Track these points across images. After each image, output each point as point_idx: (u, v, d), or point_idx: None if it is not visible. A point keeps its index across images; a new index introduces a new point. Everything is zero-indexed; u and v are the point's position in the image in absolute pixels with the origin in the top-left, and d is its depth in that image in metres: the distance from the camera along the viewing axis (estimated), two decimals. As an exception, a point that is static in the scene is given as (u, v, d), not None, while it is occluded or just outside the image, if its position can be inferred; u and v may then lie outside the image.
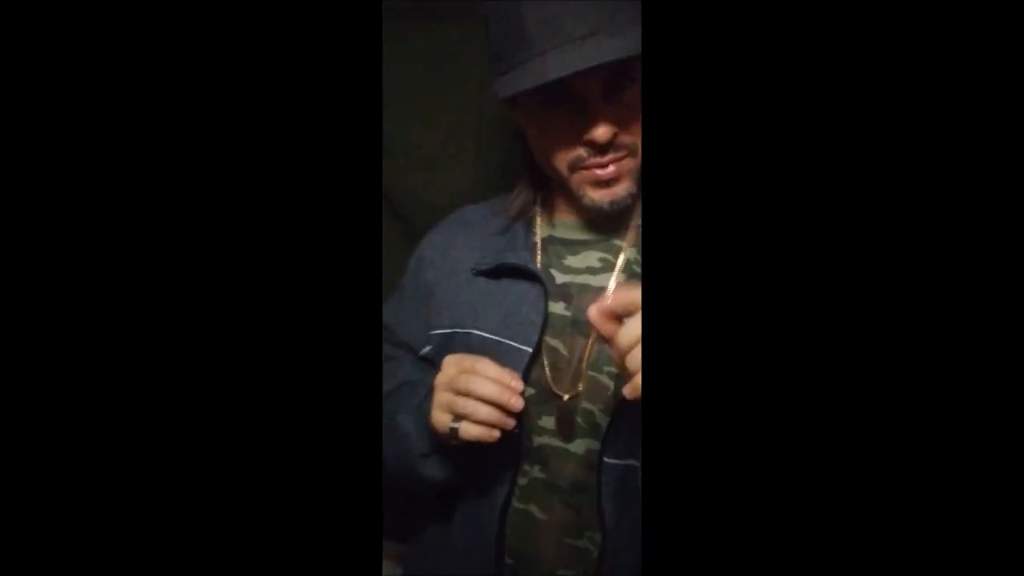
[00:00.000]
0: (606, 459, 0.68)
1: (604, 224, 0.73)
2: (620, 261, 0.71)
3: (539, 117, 0.69)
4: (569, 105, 0.66)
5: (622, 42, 0.62)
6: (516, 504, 0.72)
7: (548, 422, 0.72)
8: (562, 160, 0.69)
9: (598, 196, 0.69)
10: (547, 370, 0.71)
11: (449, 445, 0.68)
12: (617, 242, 0.73)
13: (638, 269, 0.71)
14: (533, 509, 0.71)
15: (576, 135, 0.66)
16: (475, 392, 0.63)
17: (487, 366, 0.65)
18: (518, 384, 0.64)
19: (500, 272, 0.73)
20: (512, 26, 0.65)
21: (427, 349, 0.79)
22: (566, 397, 0.70)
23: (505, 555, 0.72)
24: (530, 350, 0.70)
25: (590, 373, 0.70)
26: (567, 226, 0.76)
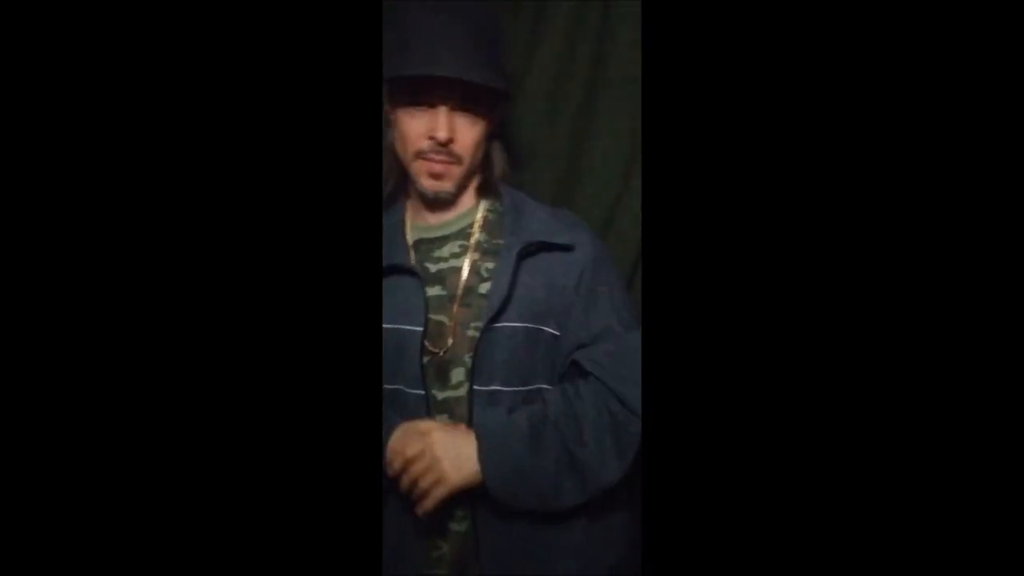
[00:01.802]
0: (476, 386, 0.89)
1: (455, 220, 0.97)
2: (472, 243, 0.95)
3: (405, 113, 0.91)
4: (427, 109, 0.90)
5: (477, 73, 0.87)
6: None
7: (435, 378, 0.93)
8: (411, 148, 0.92)
9: (428, 184, 0.93)
10: (432, 340, 0.92)
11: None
12: (468, 230, 0.96)
13: (485, 245, 0.95)
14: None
15: (425, 132, 0.91)
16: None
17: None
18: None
19: (388, 271, 0.94)
20: (397, 35, 0.89)
21: None
22: (441, 352, 0.91)
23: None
24: (420, 328, 0.90)
25: (460, 329, 0.91)
26: (429, 228, 0.98)
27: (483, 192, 0.98)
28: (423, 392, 0.88)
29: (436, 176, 0.92)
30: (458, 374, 0.90)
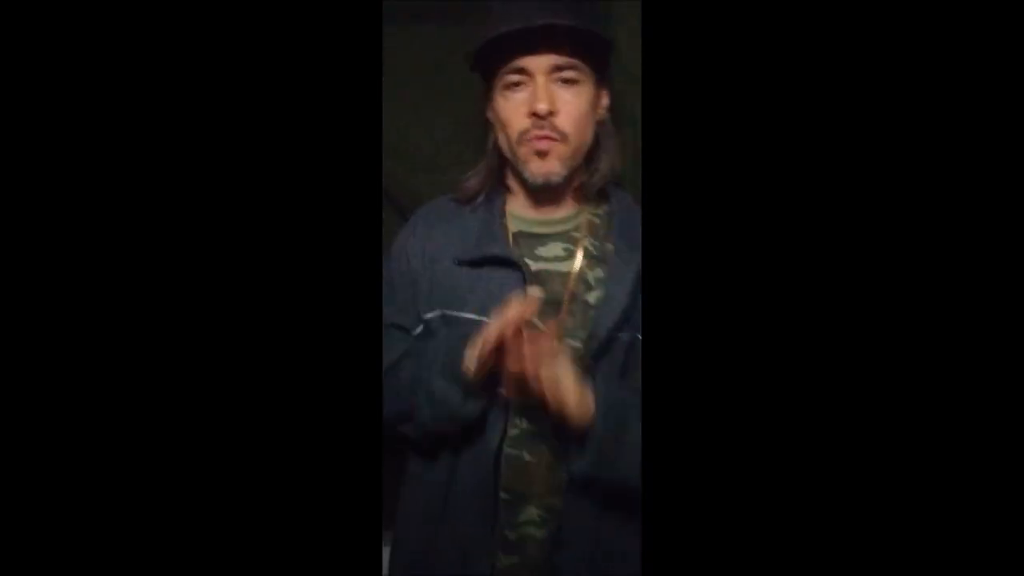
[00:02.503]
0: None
1: (560, 221, 0.90)
2: (580, 247, 0.89)
3: (502, 97, 0.85)
4: (523, 87, 0.84)
5: (563, 13, 0.80)
6: (508, 450, 0.87)
7: None
8: (514, 132, 0.85)
9: (535, 168, 0.85)
10: None
11: (478, 382, 0.83)
12: (575, 234, 0.90)
13: (595, 252, 0.89)
14: (524, 454, 0.87)
15: (524, 110, 0.84)
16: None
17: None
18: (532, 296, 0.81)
19: (483, 261, 0.87)
20: (487, 19, 0.83)
21: (419, 330, 0.93)
22: None
23: (500, 492, 0.87)
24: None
25: (564, 339, 0.86)
26: (531, 223, 0.91)
27: (584, 193, 0.91)
28: (505, 391, 0.83)
29: (542, 154, 0.84)
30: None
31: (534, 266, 0.88)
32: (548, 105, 0.82)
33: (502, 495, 0.87)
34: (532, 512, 0.87)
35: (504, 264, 0.87)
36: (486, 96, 0.88)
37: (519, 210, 0.92)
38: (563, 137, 0.84)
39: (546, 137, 0.84)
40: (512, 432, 0.87)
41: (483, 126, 0.92)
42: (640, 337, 0.85)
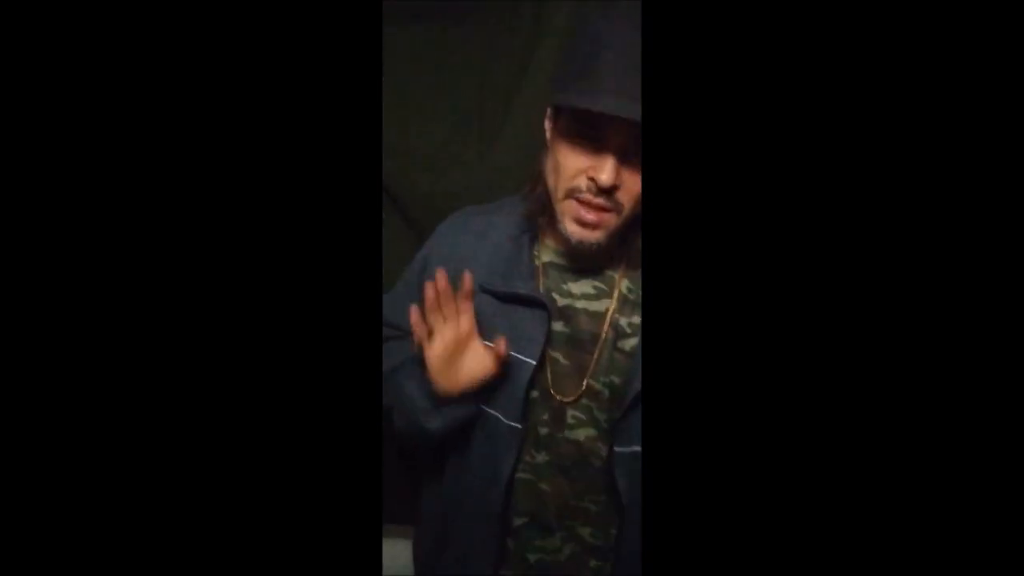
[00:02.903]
0: (617, 448, 0.82)
1: (595, 257, 0.85)
2: (615, 292, 0.85)
3: (568, 140, 0.79)
4: (595, 144, 0.77)
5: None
6: (524, 476, 0.86)
7: (550, 419, 0.87)
8: (565, 183, 0.79)
9: (574, 231, 0.80)
10: (549, 377, 0.85)
11: (447, 398, 0.82)
12: (610, 273, 0.86)
13: (628, 295, 0.85)
14: (542, 485, 0.87)
15: (586, 168, 0.78)
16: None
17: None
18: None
19: (508, 298, 0.85)
20: (590, 54, 0.76)
21: None
22: (564, 400, 0.85)
23: (514, 518, 0.87)
24: (534, 363, 0.83)
25: (588, 381, 0.84)
26: (564, 254, 0.87)
27: (629, 264, 0.85)
28: (520, 426, 0.83)
29: (587, 225, 0.79)
30: (575, 418, 0.85)
31: (560, 301, 0.85)
32: (613, 180, 0.76)
33: (517, 520, 0.88)
34: (555, 540, 0.88)
35: (531, 303, 0.84)
36: (552, 123, 0.83)
37: (553, 242, 0.88)
38: (618, 209, 0.79)
39: (599, 208, 0.78)
40: (528, 460, 0.87)
41: (540, 147, 0.86)
42: None
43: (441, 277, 0.77)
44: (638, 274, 0.85)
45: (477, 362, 0.81)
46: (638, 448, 0.81)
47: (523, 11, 1.17)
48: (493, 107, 1.15)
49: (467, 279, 0.78)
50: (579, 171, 0.78)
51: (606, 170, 0.76)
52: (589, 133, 0.77)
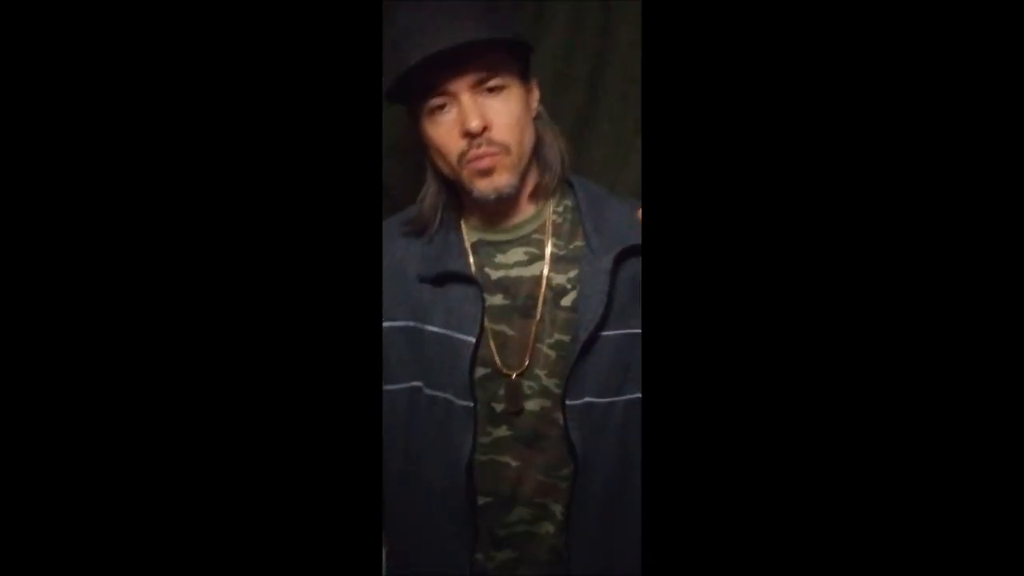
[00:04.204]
0: (568, 401, 0.83)
1: (519, 226, 0.88)
2: (545, 252, 0.86)
3: (431, 123, 0.82)
4: (449, 108, 0.80)
5: (480, 29, 0.76)
6: (483, 457, 0.87)
7: (504, 394, 0.87)
8: (452, 156, 0.81)
9: (483, 186, 0.82)
10: (495, 353, 0.86)
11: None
12: (537, 236, 0.87)
13: (562, 253, 0.86)
14: (505, 458, 0.87)
15: (457, 131, 0.80)
16: None
17: None
18: None
19: (443, 279, 0.86)
20: (390, 38, 0.80)
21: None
22: (514, 375, 0.85)
23: (478, 497, 0.87)
24: (473, 339, 0.84)
25: (536, 346, 0.85)
26: (490, 230, 0.89)
27: (541, 193, 0.87)
28: (472, 404, 0.84)
29: (487, 172, 0.81)
30: (530, 388, 0.86)
31: (494, 275, 0.87)
32: (480, 121, 0.78)
33: (481, 499, 0.87)
34: (522, 512, 0.87)
35: (463, 280, 0.86)
36: (413, 124, 0.85)
37: (476, 220, 0.90)
38: (504, 149, 0.81)
39: (487, 155, 0.80)
40: (484, 440, 0.86)
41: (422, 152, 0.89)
42: (634, 332, 0.83)
43: None
44: (564, 228, 0.87)
45: None
46: (589, 399, 0.83)
47: (523, 11, 1.18)
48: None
49: None
50: (452, 137, 0.80)
51: (469, 117, 0.78)
52: (435, 101, 0.79)
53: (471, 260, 0.87)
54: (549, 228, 0.87)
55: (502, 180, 0.81)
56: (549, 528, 0.87)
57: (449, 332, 0.85)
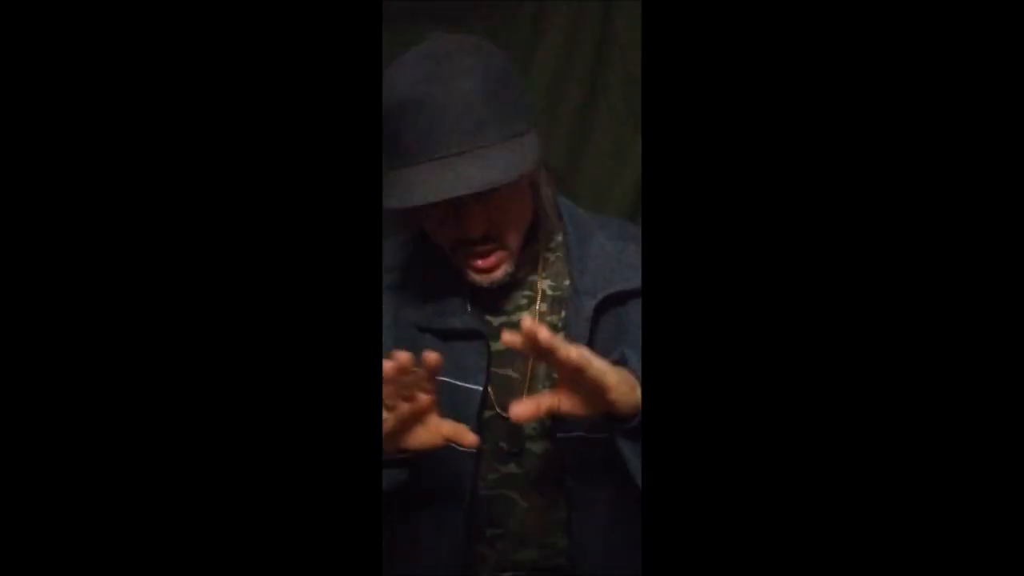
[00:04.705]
0: (559, 435, 0.83)
1: (517, 269, 0.83)
2: (539, 293, 0.85)
3: (424, 215, 0.78)
4: (445, 204, 0.73)
5: (493, 166, 0.71)
6: (492, 490, 0.86)
7: (508, 435, 0.87)
8: (445, 243, 0.79)
9: (479, 278, 0.80)
10: (496, 398, 0.85)
11: (387, 458, 0.79)
12: (532, 278, 0.86)
13: (551, 294, 0.85)
14: (514, 495, 0.86)
15: (452, 230, 0.77)
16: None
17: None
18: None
19: (447, 335, 0.84)
20: (399, 123, 0.74)
21: None
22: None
23: (486, 528, 0.87)
24: (480, 388, 0.83)
25: (534, 386, 0.84)
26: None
27: (537, 246, 0.85)
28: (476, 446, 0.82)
29: (483, 271, 0.79)
30: (533, 429, 0.85)
31: (495, 321, 0.86)
32: (482, 229, 0.75)
33: (490, 531, 0.87)
34: (533, 554, 0.87)
35: (467, 335, 0.84)
36: (407, 212, 0.79)
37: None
38: (503, 245, 0.78)
39: (487, 253, 0.77)
40: (491, 476, 0.86)
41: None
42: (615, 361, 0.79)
43: (402, 356, 0.69)
44: (556, 267, 0.86)
45: (429, 435, 0.76)
46: (579, 433, 0.82)
47: (523, 11, 1.18)
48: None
49: (433, 359, 0.70)
50: (449, 235, 0.77)
51: (471, 225, 0.75)
52: (439, 213, 0.76)
53: (471, 309, 0.85)
54: (542, 267, 0.87)
55: (499, 272, 0.80)
56: (560, 562, 0.87)
57: (456, 382, 0.83)
